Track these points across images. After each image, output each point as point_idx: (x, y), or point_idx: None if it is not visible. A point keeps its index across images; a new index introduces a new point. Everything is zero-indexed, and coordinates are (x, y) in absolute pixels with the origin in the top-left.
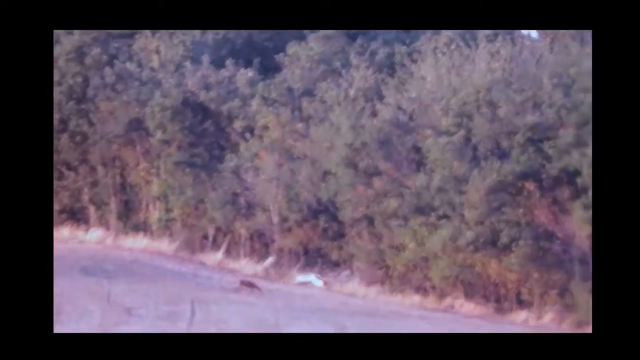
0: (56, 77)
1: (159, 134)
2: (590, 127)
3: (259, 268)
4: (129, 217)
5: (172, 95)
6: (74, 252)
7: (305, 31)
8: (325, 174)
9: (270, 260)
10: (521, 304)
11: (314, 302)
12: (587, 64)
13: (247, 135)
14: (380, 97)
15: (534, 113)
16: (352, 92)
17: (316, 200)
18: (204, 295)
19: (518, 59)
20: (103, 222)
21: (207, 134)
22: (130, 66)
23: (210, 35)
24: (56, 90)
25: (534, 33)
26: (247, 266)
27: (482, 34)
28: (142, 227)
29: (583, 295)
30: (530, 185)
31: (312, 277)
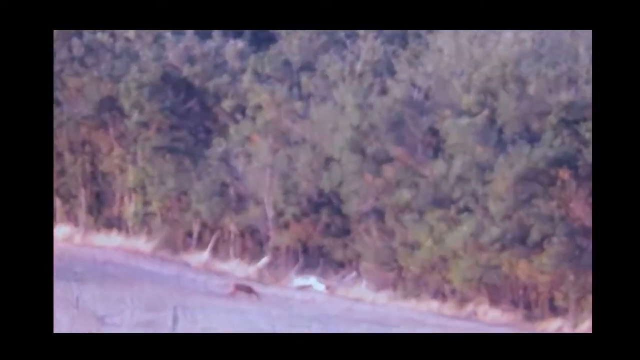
0: None
1: (135, 115)
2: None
3: (252, 270)
4: (101, 212)
5: (151, 70)
6: None
7: None
8: (328, 160)
9: (264, 260)
10: (554, 310)
11: (315, 309)
12: None
13: (238, 116)
14: (391, 72)
15: (569, 90)
16: (358, 66)
17: (317, 191)
18: (188, 301)
19: None
20: (71, 217)
21: (191, 115)
22: (102, 36)
23: None
24: None
25: None
26: (237, 268)
27: None
28: (115, 223)
29: None
30: (564, 174)
31: (312, 280)
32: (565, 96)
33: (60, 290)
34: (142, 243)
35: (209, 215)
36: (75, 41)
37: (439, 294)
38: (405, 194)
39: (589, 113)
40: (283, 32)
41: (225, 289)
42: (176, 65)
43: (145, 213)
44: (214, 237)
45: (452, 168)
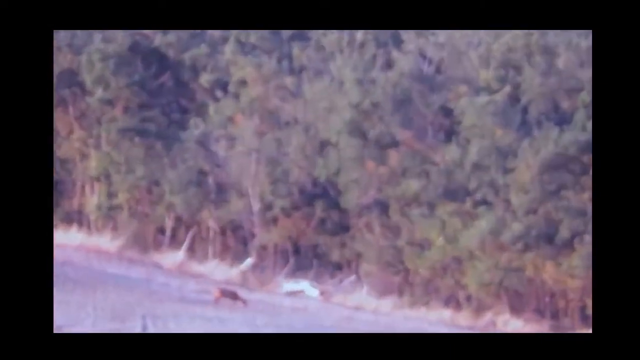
0: None
1: (99, 92)
2: None
3: (234, 272)
4: (59, 204)
5: (117, 40)
6: None
7: None
8: (324, 144)
9: (248, 261)
10: (586, 320)
11: (308, 318)
12: None
13: (218, 92)
14: (397, 42)
15: None
16: (359, 35)
17: (311, 180)
18: (158, 309)
19: None
20: None
21: (163, 92)
22: None
23: None
24: None
25: None
26: (217, 269)
27: None
28: (76, 218)
29: None
30: None
31: (304, 285)
32: None
33: None
34: (107, 241)
35: (184, 209)
36: None
37: (452, 301)
38: (412, 185)
39: None
40: None
41: (202, 295)
42: (146, 34)
43: (110, 206)
44: (190, 235)
45: (468, 154)
